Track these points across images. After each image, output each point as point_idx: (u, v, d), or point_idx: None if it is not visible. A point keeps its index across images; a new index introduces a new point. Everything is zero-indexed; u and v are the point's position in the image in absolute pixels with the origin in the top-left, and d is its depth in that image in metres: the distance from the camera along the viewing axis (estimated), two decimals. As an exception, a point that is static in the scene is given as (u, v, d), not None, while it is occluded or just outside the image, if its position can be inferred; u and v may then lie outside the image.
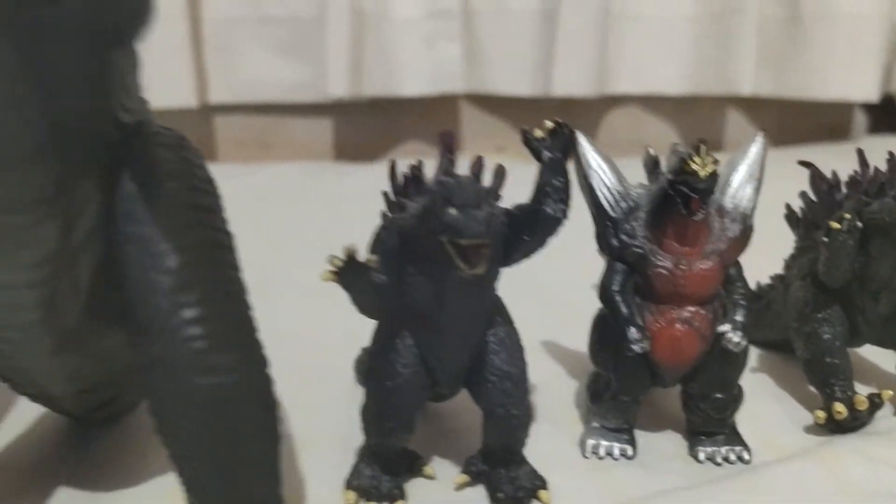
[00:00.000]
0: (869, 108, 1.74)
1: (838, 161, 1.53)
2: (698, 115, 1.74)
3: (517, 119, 1.70)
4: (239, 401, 0.33)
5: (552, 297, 0.69)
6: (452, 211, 0.32)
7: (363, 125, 1.65)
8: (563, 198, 0.37)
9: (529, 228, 0.37)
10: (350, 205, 0.92)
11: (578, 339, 0.60)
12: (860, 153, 0.52)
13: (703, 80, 1.66)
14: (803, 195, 0.54)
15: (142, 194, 0.32)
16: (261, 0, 1.56)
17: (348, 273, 0.35)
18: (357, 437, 0.45)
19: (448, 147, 0.36)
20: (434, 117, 1.68)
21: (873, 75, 1.60)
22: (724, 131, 1.79)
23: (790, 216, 0.55)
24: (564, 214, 0.37)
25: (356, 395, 0.54)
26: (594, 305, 0.67)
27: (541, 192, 0.37)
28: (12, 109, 0.27)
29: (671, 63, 1.65)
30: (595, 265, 0.46)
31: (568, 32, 1.55)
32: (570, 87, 1.58)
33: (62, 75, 0.28)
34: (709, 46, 1.62)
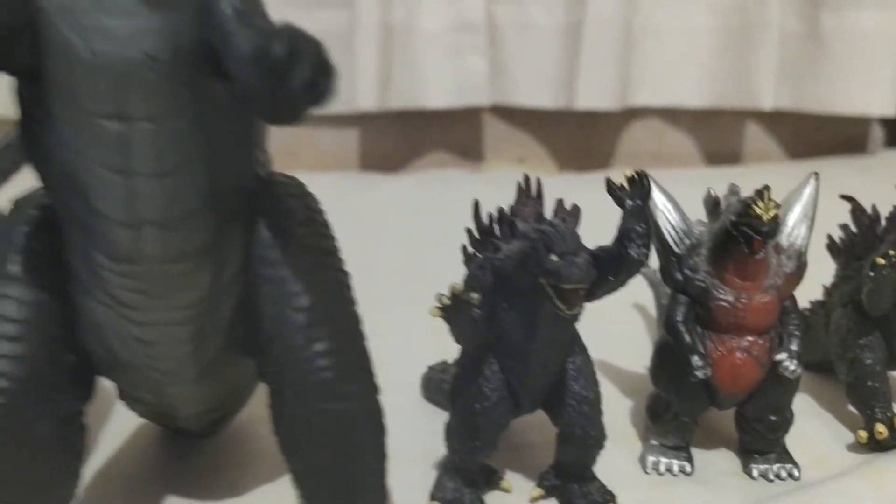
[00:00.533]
0: (886, 122, 1.78)
1: (856, 175, 1.57)
2: (717, 128, 1.77)
3: (538, 131, 1.74)
4: (358, 425, 0.37)
5: (599, 319, 0.73)
6: (554, 258, 0.36)
7: (388, 135, 1.69)
8: (646, 242, 0.41)
9: (614, 270, 0.41)
10: (376, 214, 0.95)
11: (626, 359, 0.64)
12: (901, 192, 0.56)
13: (724, 93, 1.69)
14: (844, 228, 0.58)
15: (275, 240, 0.36)
16: (289, 14, 1.59)
17: (453, 310, 0.39)
18: (433, 451, 0.49)
19: (539, 194, 0.41)
20: (458, 128, 1.73)
21: (891, 90, 1.64)
22: (742, 144, 1.82)
23: (832, 246, 0.59)
24: (646, 258, 0.42)
25: (422, 410, 0.58)
26: (637, 326, 0.71)
27: (625, 236, 0.41)
28: (186, 175, 0.31)
29: (692, 76, 1.69)
30: (637, 289, 0.50)
31: (591, 47, 1.58)
32: (593, 100, 1.61)
33: (225, 144, 0.32)
34: (729, 60, 1.66)
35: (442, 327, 0.50)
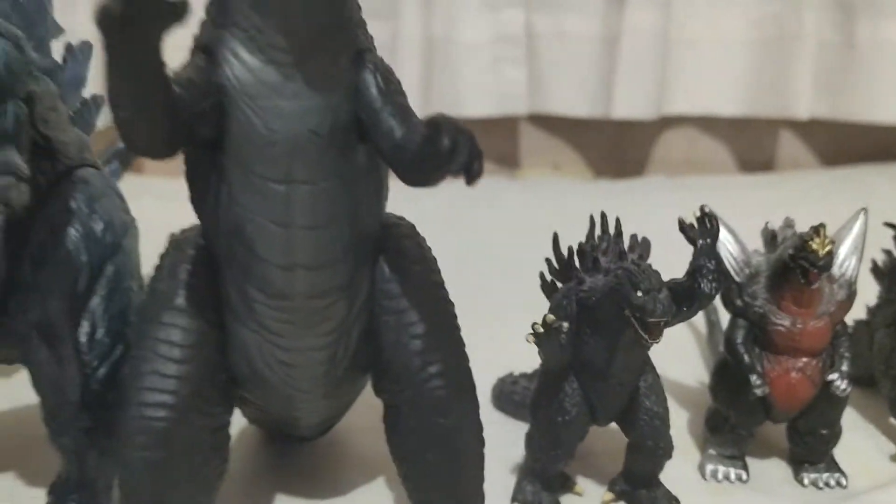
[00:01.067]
0: (921, 130, 1.80)
1: (890, 182, 1.59)
2: (751, 135, 1.81)
3: (573, 138, 1.79)
4: (465, 437, 0.43)
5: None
6: (640, 294, 0.42)
7: None
8: (717, 277, 0.46)
9: (688, 302, 0.46)
10: (417, 222, 1.00)
11: (682, 374, 0.69)
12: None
13: (759, 102, 1.73)
14: (888, 253, 0.63)
15: (394, 276, 0.42)
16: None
17: (545, 336, 0.45)
18: (507, 457, 0.54)
19: (619, 233, 0.46)
20: (495, 136, 1.78)
21: (926, 100, 1.66)
22: (776, 151, 1.86)
23: (876, 270, 0.64)
24: (717, 291, 0.47)
25: (494, 418, 0.63)
26: (689, 343, 0.76)
27: (697, 272, 0.46)
28: (334, 227, 0.37)
29: (727, 85, 1.73)
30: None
31: (628, 57, 1.63)
32: (630, 109, 1.66)
33: (363, 199, 0.38)
34: (765, 70, 1.69)
35: (504, 340, 0.56)
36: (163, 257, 0.42)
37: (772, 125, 1.78)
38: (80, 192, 0.45)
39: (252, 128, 0.35)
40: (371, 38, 0.39)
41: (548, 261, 0.52)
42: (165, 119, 0.34)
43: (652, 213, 1.41)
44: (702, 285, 0.45)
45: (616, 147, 1.81)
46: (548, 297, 0.52)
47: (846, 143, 1.80)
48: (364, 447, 0.57)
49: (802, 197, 1.55)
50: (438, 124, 0.34)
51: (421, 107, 1.61)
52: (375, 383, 0.45)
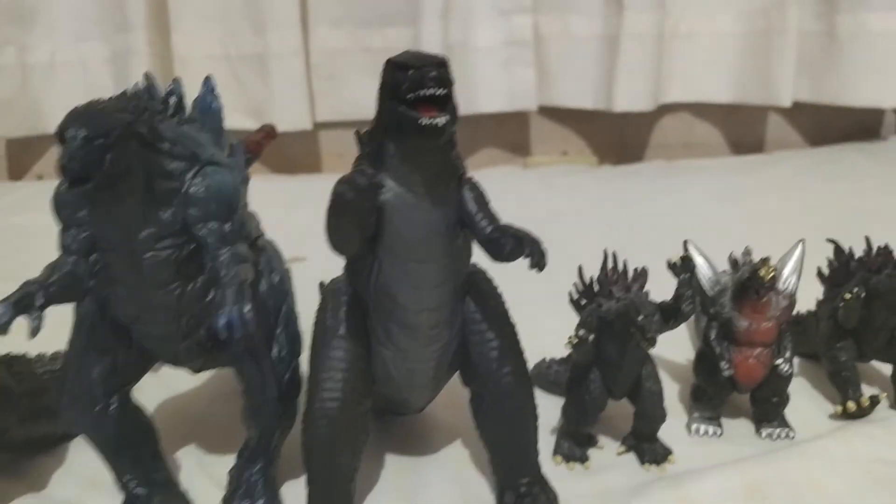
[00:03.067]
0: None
1: (869, 159, 1.79)
2: (742, 119, 1.99)
3: (579, 127, 1.99)
4: (526, 413, 0.66)
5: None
6: (641, 318, 0.64)
7: None
8: (693, 300, 0.68)
9: (673, 319, 0.69)
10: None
11: (673, 356, 0.92)
12: (867, 240, 0.83)
13: (747, 90, 1.91)
14: (829, 263, 0.85)
15: (477, 308, 0.64)
16: (362, 33, 1.84)
17: (578, 344, 0.67)
18: (546, 422, 0.77)
19: (624, 270, 0.69)
20: (507, 127, 1.98)
21: (901, 84, 1.77)
22: (765, 133, 2.05)
23: (820, 275, 0.86)
24: (693, 311, 0.69)
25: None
26: (681, 335, 0.97)
27: (679, 298, 0.68)
28: (447, 284, 0.59)
29: (718, 75, 1.92)
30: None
31: (627, 55, 1.81)
32: (629, 103, 1.85)
33: (462, 263, 0.60)
34: (752, 60, 1.88)
35: (533, 329, 0.76)
36: (324, 301, 0.65)
37: (761, 109, 1.96)
38: (263, 256, 0.66)
39: (399, 231, 0.57)
40: (464, 163, 0.61)
41: (574, 285, 0.74)
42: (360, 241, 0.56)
43: (652, 195, 1.63)
44: (682, 307, 0.68)
45: (618, 134, 2.01)
46: (575, 309, 0.75)
47: (829, 125, 1.98)
48: (445, 420, 0.80)
49: (791, 175, 1.76)
50: (521, 238, 0.56)
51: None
52: (464, 379, 0.67)
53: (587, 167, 1.98)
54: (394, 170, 0.56)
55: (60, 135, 0.52)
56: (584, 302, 0.74)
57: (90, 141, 0.52)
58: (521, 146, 2.02)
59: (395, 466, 0.74)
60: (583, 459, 0.74)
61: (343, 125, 1.89)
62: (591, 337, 0.68)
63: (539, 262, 0.56)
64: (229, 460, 0.71)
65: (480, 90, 1.86)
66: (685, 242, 0.76)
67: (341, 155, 1.96)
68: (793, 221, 1.37)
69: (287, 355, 0.65)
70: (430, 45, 1.78)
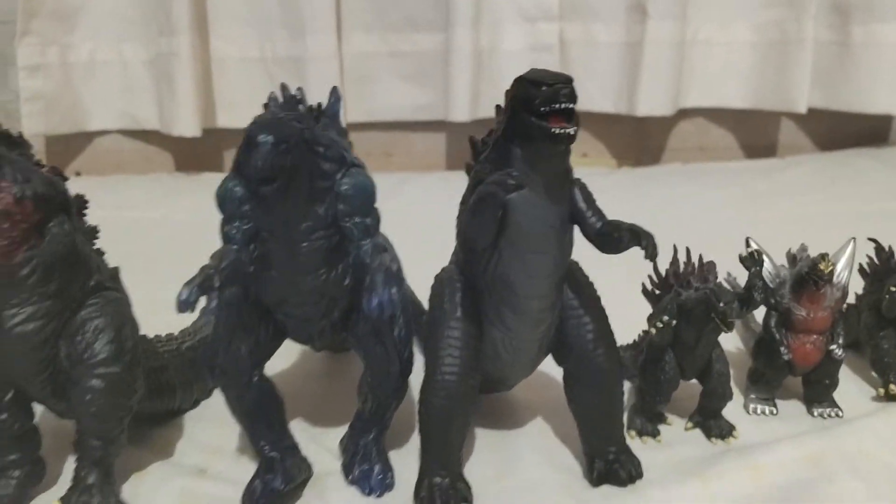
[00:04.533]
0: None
1: (879, 164, 1.90)
2: (755, 124, 2.10)
3: (599, 129, 2.08)
4: (615, 387, 0.75)
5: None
6: (722, 305, 0.74)
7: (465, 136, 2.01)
8: (763, 290, 0.78)
9: (746, 306, 0.78)
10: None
11: (729, 344, 1.01)
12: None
13: (764, 96, 2.00)
14: (870, 259, 0.95)
15: (573, 294, 0.73)
16: (392, 38, 1.93)
17: (662, 330, 0.77)
18: None
19: (700, 263, 0.78)
20: (530, 130, 2.06)
21: (912, 92, 1.88)
22: (777, 138, 2.15)
23: (862, 271, 0.96)
24: (762, 301, 0.79)
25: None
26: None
27: (752, 287, 0.78)
28: (556, 274, 0.68)
29: (735, 82, 2.02)
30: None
31: (650, 62, 1.90)
32: (652, 107, 1.94)
33: (567, 257, 0.70)
34: (768, 69, 1.98)
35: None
36: (440, 287, 0.73)
37: (774, 115, 2.06)
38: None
39: (521, 226, 0.65)
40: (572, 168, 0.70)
41: (649, 276, 0.84)
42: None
43: (671, 197, 1.72)
44: (754, 296, 0.77)
45: (636, 137, 2.10)
46: (648, 299, 0.84)
47: (840, 130, 2.08)
48: (525, 398, 0.89)
49: (804, 178, 1.86)
50: (638, 232, 0.65)
51: (470, 112, 1.88)
52: (559, 359, 0.76)
53: (607, 169, 2.07)
54: (519, 172, 0.65)
55: (251, 141, 0.61)
56: (657, 292, 0.83)
57: (276, 146, 0.60)
58: (543, 148, 2.10)
59: (486, 440, 0.83)
60: (654, 434, 0.83)
61: (371, 126, 1.98)
62: (672, 322, 0.77)
63: (654, 253, 0.65)
64: (332, 431, 0.81)
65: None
66: (747, 239, 0.86)
67: (369, 154, 2.04)
68: (807, 222, 1.48)
69: (406, 336, 0.74)
70: (461, 50, 1.87)
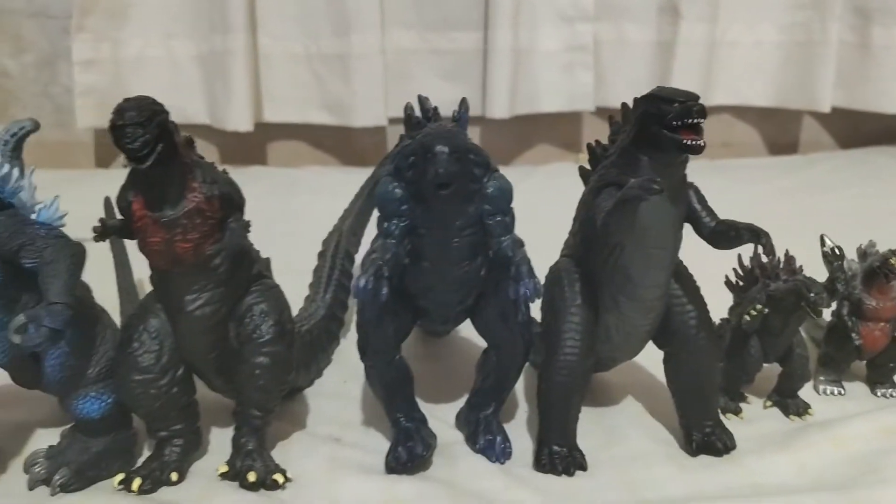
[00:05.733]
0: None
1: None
2: (779, 122, 2.20)
3: (628, 125, 2.17)
4: (714, 369, 0.85)
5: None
6: (812, 294, 0.84)
7: (504, 132, 2.10)
8: (845, 283, 0.88)
9: (829, 297, 0.89)
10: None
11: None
12: None
13: (787, 95, 2.11)
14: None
15: (678, 285, 0.83)
16: (431, 36, 2.02)
17: (756, 317, 0.87)
18: None
19: (786, 257, 0.88)
20: (562, 126, 2.16)
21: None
22: (799, 136, 2.26)
23: None
24: (844, 291, 0.90)
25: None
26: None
27: (834, 280, 0.88)
28: (669, 268, 0.78)
29: (760, 81, 2.12)
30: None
31: (681, 61, 2.01)
32: None
33: (678, 252, 0.80)
34: (793, 69, 2.08)
35: None
36: (558, 278, 0.83)
37: (796, 113, 2.16)
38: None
39: (646, 224, 0.75)
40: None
41: (734, 269, 0.94)
42: None
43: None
44: (837, 287, 0.88)
45: (664, 134, 2.20)
46: (731, 290, 0.95)
47: (860, 129, 2.19)
48: (618, 378, 0.99)
49: (825, 175, 1.97)
50: (756, 230, 0.75)
51: (508, 108, 1.98)
52: (661, 342, 0.86)
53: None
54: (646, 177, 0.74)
55: (428, 150, 0.70)
56: (741, 284, 0.93)
57: (451, 155, 0.70)
58: (574, 143, 2.20)
59: (588, 416, 0.92)
60: (736, 411, 0.93)
61: (408, 121, 2.06)
62: (766, 311, 0.88)
63: (772, 249, 0.75)
64: (443, 407, 0.92)
65: (542, 91, 2.04)
66: (822, 237, 0.97)
67: (405, 149, 2.12)
68: (831, 218, 1.55)
69: (528, 320, 0.84)
70: (500, 49, 1.96)
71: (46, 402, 0.86)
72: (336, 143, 2.09)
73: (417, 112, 0.84)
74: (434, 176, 0.70)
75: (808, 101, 2.10)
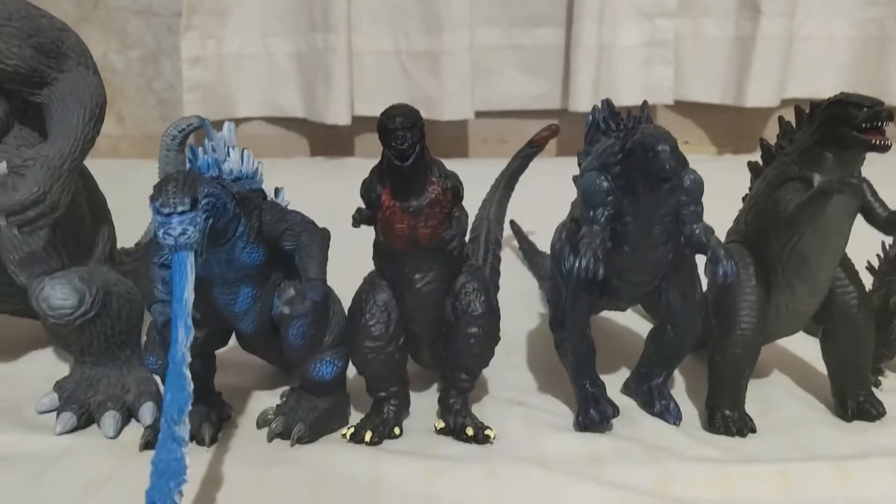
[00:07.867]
0: None
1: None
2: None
3: (700, 118, 2.29)
4: (870, 344, 0.96)
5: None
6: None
7: (579, 125, 2.21)
8: None
9: None
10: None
11: None
12: None
13: (858, 89, 2.16)
14: None
15: (841, 267, 0.94)
16: (514, 32, 2.14)
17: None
18: None
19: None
20: (639, 119, 2.27)
21: None
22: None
23: None
24: None
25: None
26: None
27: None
28: (843, 246, 0.90)
29: (833, 75, 2.22)
30: None
31: (761, 55, 2.11)
32: (759, 99, 2.14)
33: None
34: (865, 63, 2.19)
35: None
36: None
37: (862, 105, 2.26)
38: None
39: (828, 215, 0.86)
40: None
41: (877, 255, 1.05)
42: None
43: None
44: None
45: (735, 126, 2.31)
46: (873, 276, 1.06)
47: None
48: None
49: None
50: None
51: (591, 98, 2.08)
52: (820, 319, 0.95)
53: (708, 156, 2.28)
54: (828, 172, 0.86)
55: (649, 148, 0.81)
56: (884, 269, 1.05)
57: (672, 152, 0.81)
58: (650, 136, 2.30)
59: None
60: (877, 384, 1.04)
61: (488, 114, 2.19)
62: (900, 302, 1.00)
63: None
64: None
65: (622, 85, 2.15)
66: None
67: (485, 141, 2.25)
68: None
69: (702, 297, 0.96)
70: (584, 45, 2.07)
71: (257, 368, 1.02)
72: (421, 135, 2.20)
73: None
74: (658, 171, 0.82)
75: (879, 95, 2.16)
